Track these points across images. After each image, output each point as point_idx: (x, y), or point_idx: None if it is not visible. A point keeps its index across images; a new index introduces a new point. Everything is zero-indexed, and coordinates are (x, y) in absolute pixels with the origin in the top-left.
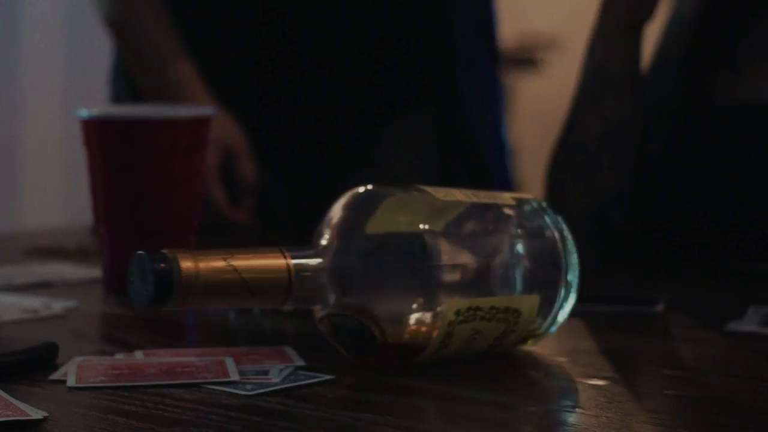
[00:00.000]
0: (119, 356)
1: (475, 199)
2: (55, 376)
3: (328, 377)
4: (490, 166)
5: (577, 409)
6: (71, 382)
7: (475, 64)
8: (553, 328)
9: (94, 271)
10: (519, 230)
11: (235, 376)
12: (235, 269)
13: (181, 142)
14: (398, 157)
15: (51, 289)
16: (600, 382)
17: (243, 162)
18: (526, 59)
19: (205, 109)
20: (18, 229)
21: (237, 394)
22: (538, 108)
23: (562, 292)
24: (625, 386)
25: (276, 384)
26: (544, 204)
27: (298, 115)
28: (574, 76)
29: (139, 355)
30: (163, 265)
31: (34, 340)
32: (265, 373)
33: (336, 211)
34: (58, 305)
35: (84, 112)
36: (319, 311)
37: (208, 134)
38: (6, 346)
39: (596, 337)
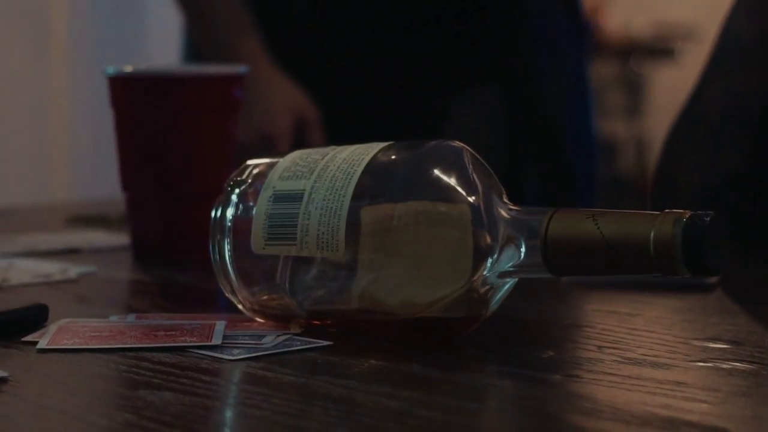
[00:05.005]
0: (113, 318)
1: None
2: (29, 338)
3: (324, 343)
4: (570, 151)
5: (582, 378)
6: (42, 343)
7: (554, 36)
8: None
9: (127, 239)
10: None
11: (217, 341)
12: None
13: (211, 101)
14: (466, 130)
15: (77, 256)
16: (629, 354)
17: (314, 131)
18: (663, 49)
19: (236, 67)
20: (71, 198)
21: (221, 358)
22: (674, 99)
23: None
24: (653, 356)
25: (265, 349)
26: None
27: (364, 88)
28: None
29: (131, 318)
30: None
31: (27, 303)
32: (259, 338)
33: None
34: (74, 270)
35: (110, 70)
36: None
37: (240, 94)
38: None
39: (639, 308)
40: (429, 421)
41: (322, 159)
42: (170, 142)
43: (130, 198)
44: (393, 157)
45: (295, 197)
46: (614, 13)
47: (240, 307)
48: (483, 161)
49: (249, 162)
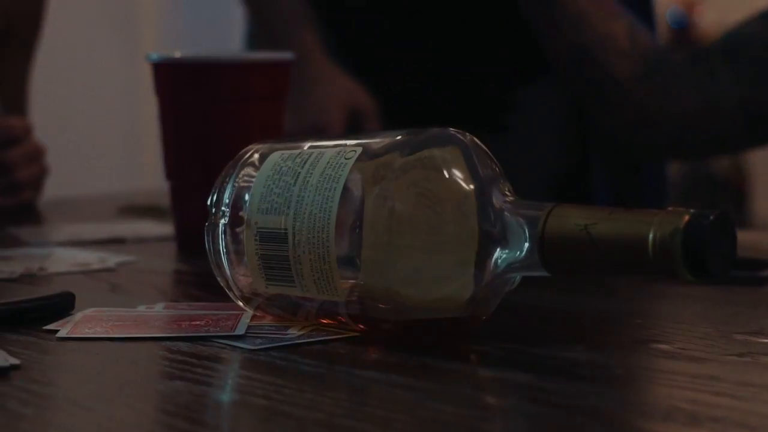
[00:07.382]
0: (141, 308)
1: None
2: (51, 326)
3: (351, 334)
4: None
5: (610, 372)
6: (62, 332)
7: None
8: None
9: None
10: None
11: (240, 331)
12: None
13: (255, 88)
14: (531, 122)
15: (120, 246)
16: (666, 347)
17: (370, 124)
18: None
19: (282, 54)
20: (125, 189)
21: (242, 348)
22: None
23: None
24: (689, 350)
25: (288, 339)
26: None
27: (429, 79)
28: None
29: (158, 308)
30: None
31: (55, 291)
32: (285, 329)
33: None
34: (113, 260)
35: (153, 56)
36: None
37: (286, 81)
38: (24, 296)
39: (684, 301)
40: (441, 413)
41: (295, 184)
42: (213, 129)
43: (173, 187)
44: (391, 140)
45: (279, 237)
46: (709, 10)
47: (238, 302)
48: (487, 150)
49: (248, 147)
